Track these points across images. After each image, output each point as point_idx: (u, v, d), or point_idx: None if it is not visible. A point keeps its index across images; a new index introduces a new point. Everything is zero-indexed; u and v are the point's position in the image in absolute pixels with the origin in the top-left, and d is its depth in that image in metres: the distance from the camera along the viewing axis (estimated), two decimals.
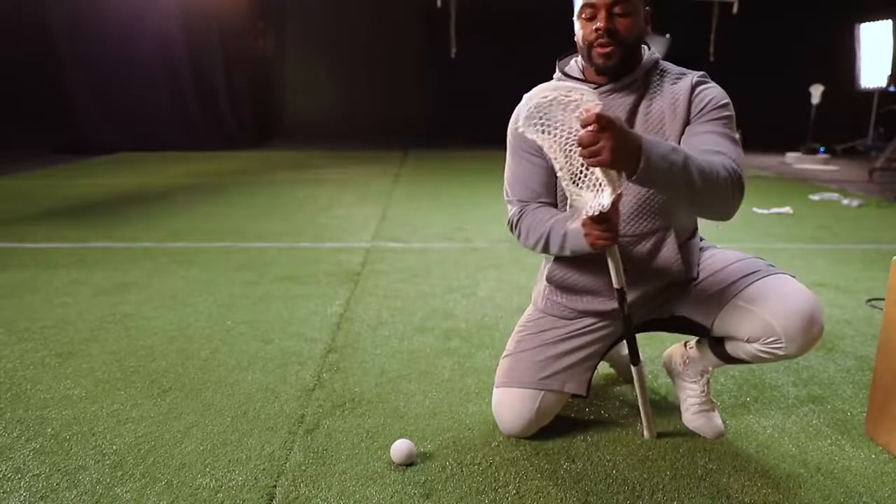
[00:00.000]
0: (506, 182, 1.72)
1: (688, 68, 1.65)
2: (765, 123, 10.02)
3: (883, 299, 1.94)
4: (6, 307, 2.75)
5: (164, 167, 7.54)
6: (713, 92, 1.56)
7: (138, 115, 9.10)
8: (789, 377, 2.12)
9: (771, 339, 1.52)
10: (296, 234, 4.20)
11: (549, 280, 1.76)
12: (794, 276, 1.59)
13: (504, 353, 1.81)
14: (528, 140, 1.63)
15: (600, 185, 1.38)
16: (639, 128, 1.56)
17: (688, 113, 1.54)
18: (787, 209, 5.02)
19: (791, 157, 8.63)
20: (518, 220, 1.67)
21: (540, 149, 1.62)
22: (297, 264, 3.46)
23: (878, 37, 9.05)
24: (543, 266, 1.83)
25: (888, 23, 8.79)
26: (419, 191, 6.08)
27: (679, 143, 1.53)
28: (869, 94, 9.24)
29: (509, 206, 1.71)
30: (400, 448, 1.61)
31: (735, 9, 9.09)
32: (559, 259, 1.72)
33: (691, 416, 1.77)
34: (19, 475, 1.57)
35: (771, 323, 1.51)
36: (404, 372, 2.16)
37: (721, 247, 1.76)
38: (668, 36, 9.24)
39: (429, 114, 11.38)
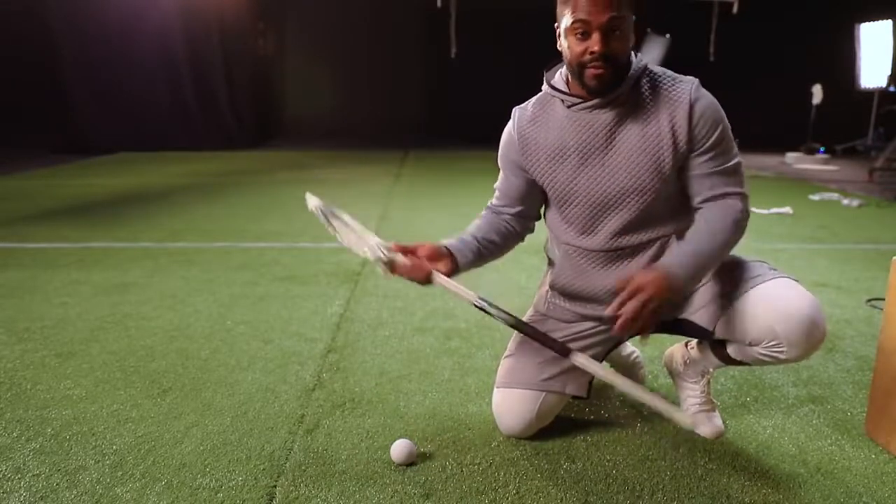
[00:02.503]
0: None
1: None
2: (765, 123, 10.03)
3: (883, 299, 1.94)
4: (6, 307, 2.75)
5: (164, 167, 7.55)
6: (710, 113, 1.51)
7: (138, 115, 9.10)
8: (789, 377, 2.12)
9: (773, 343, 1.51)
10: (296, 234, 4.20)
11: (551, 286, 1.78)
12: (797, 280, 1.58)
13: (505, 354, 1.81)
14: (513, 159, 1.68)
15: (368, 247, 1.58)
16: (634, 147, 1.54)
17: (690, 141, 1.51)
18: (787, 209, 5.02)
19: (791, 157, 8.63)
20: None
21: (523, 169, 1.67)
22: (297, 264, 3.46)
23: (878, 37, 9.05)
24: (547, 271, 1.84)
25: (888, 23, 8.79)
26: (419, 191, 6.08)
27: (678, 164, 1.54)
28: (869, 94, 9.24)
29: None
30: (400, 448, 1.61)
31: (735, 9, 9.09)
32: (562, 267, 1.74)
33: (691, 416, 1.77)
34: (19, 475, 1.57)
35: (773, 327, 1.49)
36: (404, 372, 2.16)
37: None
38: (668, 36, 9.23)
39: (429, 114, 11.38)
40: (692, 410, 1.77)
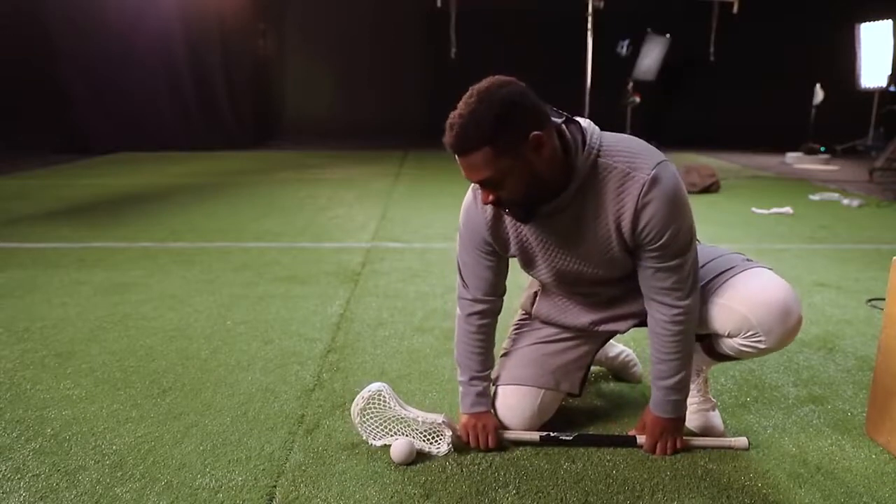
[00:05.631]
0: (458, 257, 1.69)
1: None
2: (765, 123, 10.02)
3: (883, 299, 1.94)
4: (6, 307, 2.75)
5: (164, 167, 7.55)
6: (658, 218, 1.42)
7: (138, 115, 9.10)
8: (789, 377, 2.12)
9: (750, 333, 1.54)
10: (296, 234, 4.20)
11: (535, 316, 1.82)
12: (771, 269, 1.61)
13: (502, 352, 1.84)
14: (483, 237, 1.59)
15: (436, 436, 1.67)
16: (587, 245, 1.52)
17: (634, 241, 1.47)
18: (787, 209, 5.02)
19: (791, 157, 8.62)
20: (464, 316, 1.70)
21: (493, 249, 1.61)
22: (297, 264, 3.45)
23: (878, 37, 9.05)
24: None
25: (888, 23, 8.79)
26: (419, 191, 6.08)
27: (630, 257, 1.52)
28: (869, 94, 9.24)
29: (460, 285, 1.70)
30: (400, 448, 1.61)
31: (735, 9, 9.08)
32: (542, 303, 1.79)
33: (691, 415, 1.77)
34: (19, 475, 1.57)
35: (747, 317, 1.52)
36: (404, 372, 2.16)
37: (702, 244, 1.71)
38: (668, 36, 9.23)
39: (429, 114, 11.34)
40: (691, 410, 1.77)
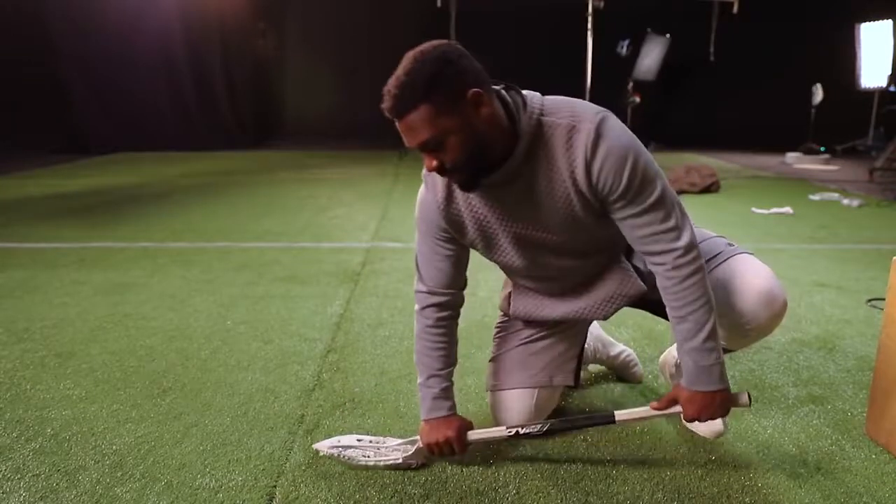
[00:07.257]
0: (417, 251, 1.63)
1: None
2: (765, 123, 10.03)
3: (883, 299, 1.94)
4: (6, 307, 2.75)
5: (164, 167, 7.55)
6: (609, 166, 1.36)
7: (138, 115, 9.11)
8: (789, 377, 2.12)
9: (737, 319, 1.54)
10: (296, 234, 4.20)
11: (513, 316, 1.77)
12: (752, 254, 1.62)
13: (490, 357, 1.83)
14: (438, 224, 1.54)
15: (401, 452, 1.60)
16: (548, 208, 1.45)
17: (596, 196, 1.40)
18: (787, 209, 5.02)
19: (791, 157, 8.62)
20: (420, 309, 1.63)
21: (450, 235, 1.55)
22: (297, 264, 3.46)
23: (878, 37, 9.05)
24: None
25: (888, 23, 8.80)
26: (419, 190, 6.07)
27: (595, 213, 1.44)
28: (869, 94, 9.24)
29: (416, 278, 1.64)
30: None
31: (735, 9, 9.09)
32: (518, 300, 1.73)
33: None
34: (19, 475, 1.57)
35: (734, 303, 1.53)
36: (404, 372, 2.16)
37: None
38: (668, 36, 9.24)
39: None
40: None
